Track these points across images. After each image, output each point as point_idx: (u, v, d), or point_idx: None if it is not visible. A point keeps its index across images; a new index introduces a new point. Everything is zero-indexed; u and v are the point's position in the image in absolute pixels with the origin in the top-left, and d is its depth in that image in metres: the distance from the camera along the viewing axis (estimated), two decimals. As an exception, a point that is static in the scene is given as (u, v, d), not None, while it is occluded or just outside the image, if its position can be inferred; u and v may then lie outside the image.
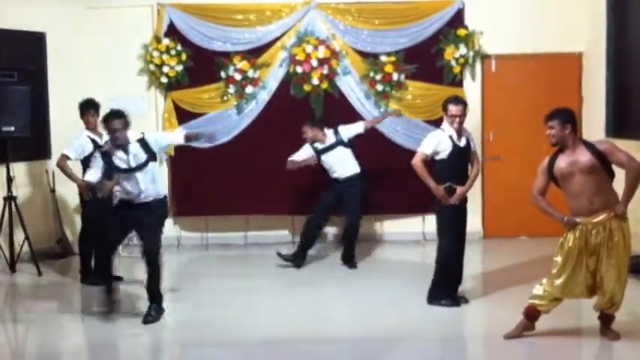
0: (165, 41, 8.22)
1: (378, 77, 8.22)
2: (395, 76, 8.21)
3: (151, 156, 5.61)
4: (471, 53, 8.26)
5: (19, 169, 7.22)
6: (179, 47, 8.23)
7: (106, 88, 7.99)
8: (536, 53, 8.37)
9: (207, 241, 8.48)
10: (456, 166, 5.77)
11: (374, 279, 6.81)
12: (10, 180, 7.00)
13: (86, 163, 6.30)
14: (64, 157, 6.47)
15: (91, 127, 6.58)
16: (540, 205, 5.15)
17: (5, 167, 7.01)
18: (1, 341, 5.57)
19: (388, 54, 8.24)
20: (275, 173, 7.92)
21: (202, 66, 8.25)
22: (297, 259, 7.28)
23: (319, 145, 7.30)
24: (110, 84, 8.09)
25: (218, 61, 8.26)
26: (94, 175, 5.51)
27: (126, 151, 5.52)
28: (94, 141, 6.51)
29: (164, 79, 8.27)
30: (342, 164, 7.26)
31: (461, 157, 5.80)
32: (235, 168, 8.25)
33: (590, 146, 4.86)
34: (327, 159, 7.27)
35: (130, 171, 5.53)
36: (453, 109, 5.71)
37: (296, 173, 7.30)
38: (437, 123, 8.19)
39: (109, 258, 5.78)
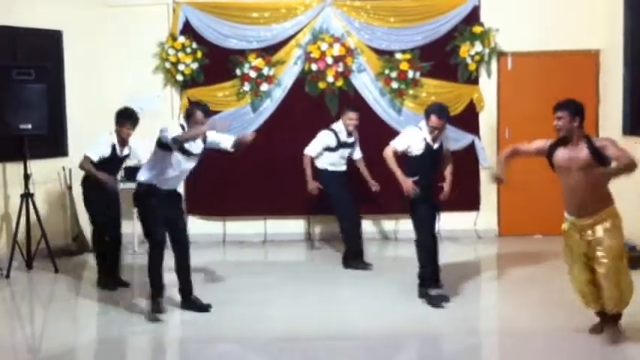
0: (181, 39, 8.26)
1: (393, 75, 8.20)
2: (410, 74, 8.19)
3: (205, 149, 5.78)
4: (487, 50, 8.23)
5: (36, 166, 7.27)
6: (194, 45, 8.27)
7: (122, 86, 8.05)
8: (553, 50, 8.32)
9: (225, 237, 8.52)
10: (427, 164, 5.89)
11: (388, 277, 6.79)
12: (27, 177, 7.06)
13: (97, 165, 6.33)
14: (88, 160, 6.28)
15: (121, 136, 6.38)
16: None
17: (22, 164, 7.07)
18: (18, 337, 5.63)
19: (403, 51, 8.23)
20: (290, 171, 7.93)
21: (217, 64, 8.28)
22: (363, 264, 7.16)
23: (346, 138, 7.18)
24: (126, 82, 8.14)
25: (233, 58, 8.29)
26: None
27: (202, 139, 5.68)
28: (114, 149, 6.38)
29: (180, 77, 8.31)
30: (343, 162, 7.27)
31: (432, 157, 5.93)
32: (250, 166, 8.26)
33: (590, 143, 4.78)
34: (342, 153, 7.22)
35: (194, 155, 5.66)
36: (435, 121, 5.78)
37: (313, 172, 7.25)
38: (452, 120, 8.16)
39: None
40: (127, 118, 6.36)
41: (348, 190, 7.21)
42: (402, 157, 5.92)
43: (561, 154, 4.87)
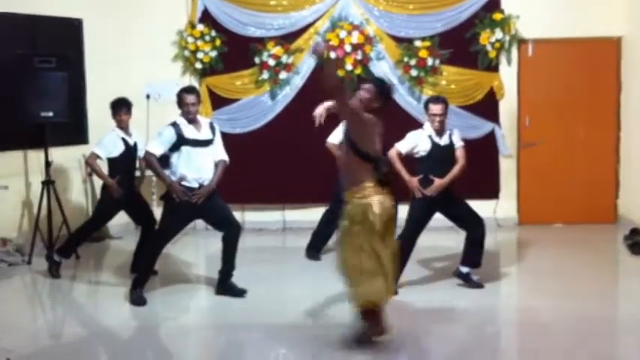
0: (200, 27, 8.27)
1: (413, 62, 8.16)
2: (429, 62, 8.15)
3: (213, 139, 5.81)
4: (507, 38, 8.16)
5: (57, 153, 7.33)
6: (213, 33, 8.28)
7: (141, 74, 8.08)
8: (574, 38, 8.23)
9: (244, 225, 8.54)
10: (437, 163, 5.83)
11: (410, 266, 6.76)
12: (48, 164, 7.12)
13: (114, 163, 6.39)
14: (94, 156, 6.36)
15: (122, 126, 6.42)
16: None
17: (44, 152, 7.13)
18: (39, 323, 5.71)
19: (423, 39, 8.18)
20: (309, 159, 7.95)
21: (236, 52, 8.29)
22: None
23: None
24: (145, 70, 8.17)
25: (252, 46, 8.29)
26: (158, 148, 5.64)
27: (197, 126, 5.72)
28: (124, 141, 6.41)
29: (198, 65, 8.33)
30: None
31: (441, 154, 5.87)
32: (269, 154, 8.28)
33: None
34: None
35: (203, 143, 5.68)
36: (433, 108, 5.82)
37: (332, 159, 7.19)
38: (471, 108, 8.22)
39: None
40: (121, 105, 6.40)
41: None
42: (413, 160, 5.92)
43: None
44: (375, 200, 4.51)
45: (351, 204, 4.61)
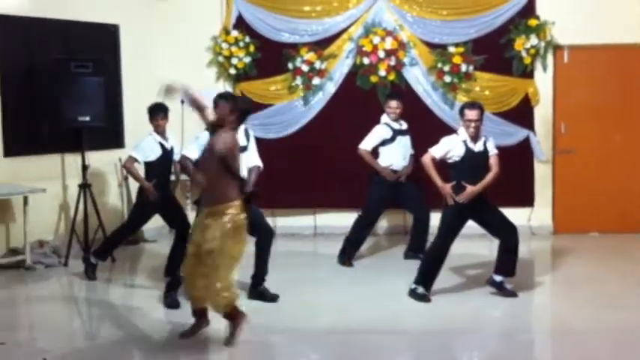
0: (234, 33, 8.34)
1: (446, 68, 8.12)
2: (463, 68, 8.10)
3: (247, 145, 5.87)
4: (543, 44, 8.08)
5: (93, 157, 7.44)
6: (247, 39, 8.34)
7: (176, 79, 8.12)
8: (611, 44, 8.11)
9: (275, 230, 8.56)
10: (470, 169, 5.78)
11: (443, 273, 6.72)
12: (85, 168, 7.23)
13: (151, 166, 6.43)
14: (132, 160, 6.42)
15: (159, 130, 6.45)
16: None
17: (80, 155, 7.24)
18: (75, 324, 5.79)
19: (456, 45, 8.14)
20: (341, 165, 7.97)
21: (270, 57, 8.34)
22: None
23: (399, 126, 7.14)
24: (180, 76, 8.19)
25: (285, 52, 8.33)
26: (195, 152, 5.69)
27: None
28: (161, 145, 6.45)
29: (232, 71, 8.39)
30: (405, 153, 7.15)
31: (475, 161, 5.81)
32: (302, 159, 8.31)
33: None
34: (398, 144, 7.11)
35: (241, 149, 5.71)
36: (469, 113, 5.77)
37: (364, 165, 7.19)
38: (506, 115, 8.14)
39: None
40: (158, 110, 6.42)
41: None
42: (446, 166, 5.89)
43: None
44: (242, 217, 4.84)
45: (219, 219, 4.78)
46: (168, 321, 5.60)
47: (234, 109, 4.94)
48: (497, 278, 5.96)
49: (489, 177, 5.83)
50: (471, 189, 5.75)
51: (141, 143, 6.47)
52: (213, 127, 4.98)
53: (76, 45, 7.77)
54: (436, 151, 5.87)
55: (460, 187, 5.77)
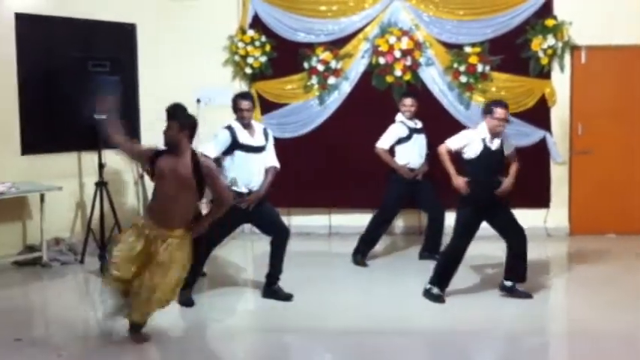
0: (250, 32, 8.36)
1: (462, 69, 8.09)
2: (479, 68, 8.06)
3: (266, 145, 5.87)
4: (560, 44, 8.02)
5: (110, 156, 7.48)
6: (263, 38, 8.35)
7: (193, 78, 8.19)
8: (628, 45, 8.04)
9: (290, 229, 8.57)
10: (484, 168, 5.75)
11: (460, 273, 6.69)
12: (101, 166, 7.27)
13: None
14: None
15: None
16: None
17: (97, 154, 7.29)
18: (90, 321, 5.83)
19: (473, 45, 8.10)
20: (357, 164, 7.97)
21: (286, 57, 8.34)
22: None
23: (414, 125, 7.15)
24: (196, 75, 8.28)
25: (301, 52, 8.34)
26: (213, 150, 5.71)
27: (252, 132, 5.80)
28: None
29: (248, 70, 8.41)
30: (422, 151, 7.15)
31: (490, 159, 5.77)
32: (317, 159, 8.31)
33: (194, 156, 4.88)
34: (414, 142, 7.11)
35: (255, 150, 5.75)
36: (500, 112, 5.71)
37: (379, 164, 7.17)
38: (522, 115, 8.09)
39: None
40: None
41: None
42: (460, 161, 5.86)
43: (163, 161, 4.91)
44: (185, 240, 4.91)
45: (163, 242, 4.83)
46: (181, 319, 5.62)
47: (184, 127, 4.87)
48: (508, 284, 5.93)
49: (514, 168, 5.88)
50: (507, 182, 5.76)
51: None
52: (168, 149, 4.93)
53: (93, 44, 7.82)
54: (453, 143, 5.83)
55: (474, 183, 5.74)
